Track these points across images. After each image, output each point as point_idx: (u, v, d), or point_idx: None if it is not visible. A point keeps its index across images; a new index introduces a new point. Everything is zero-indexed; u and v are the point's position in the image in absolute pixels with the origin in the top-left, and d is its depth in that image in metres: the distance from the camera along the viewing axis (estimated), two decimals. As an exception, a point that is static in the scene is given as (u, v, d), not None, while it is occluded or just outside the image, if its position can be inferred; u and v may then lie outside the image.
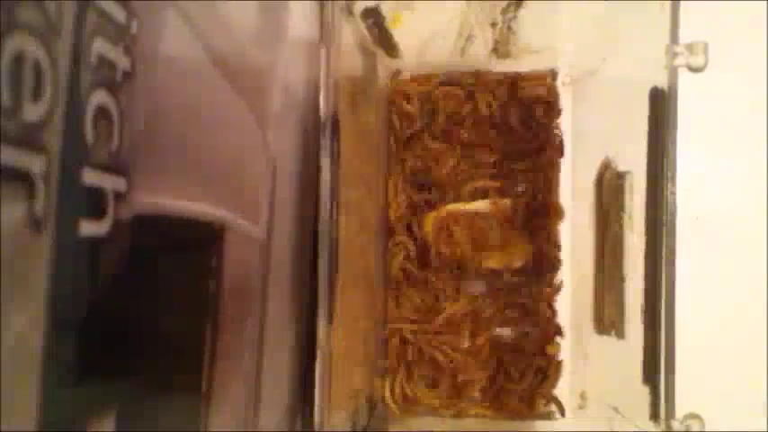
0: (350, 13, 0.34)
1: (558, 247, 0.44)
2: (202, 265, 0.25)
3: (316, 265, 0.31)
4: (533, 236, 0.44)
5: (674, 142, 0.30)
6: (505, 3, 0.38)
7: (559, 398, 0.44)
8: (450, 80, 0.45)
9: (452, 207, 0.45)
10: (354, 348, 0.38)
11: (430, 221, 0.44)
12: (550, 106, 0.45)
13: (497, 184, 0.45)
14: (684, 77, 0.30)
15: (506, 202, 0.44)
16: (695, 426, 0.29)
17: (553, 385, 0.44)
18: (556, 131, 0.45)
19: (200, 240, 0.25)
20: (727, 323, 0.40)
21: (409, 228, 0.45)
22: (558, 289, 0.44)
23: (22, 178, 0.14)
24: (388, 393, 0.44)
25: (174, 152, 0.22)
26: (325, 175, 0.31)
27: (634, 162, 0.33)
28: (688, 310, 0.30)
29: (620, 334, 0.35)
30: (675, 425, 0.29)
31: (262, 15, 0.31)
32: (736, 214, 0.41)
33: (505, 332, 0.44)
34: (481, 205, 0.45)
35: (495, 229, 0.44)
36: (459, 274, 0.44)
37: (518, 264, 0.44)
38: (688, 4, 0.30)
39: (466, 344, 0.44)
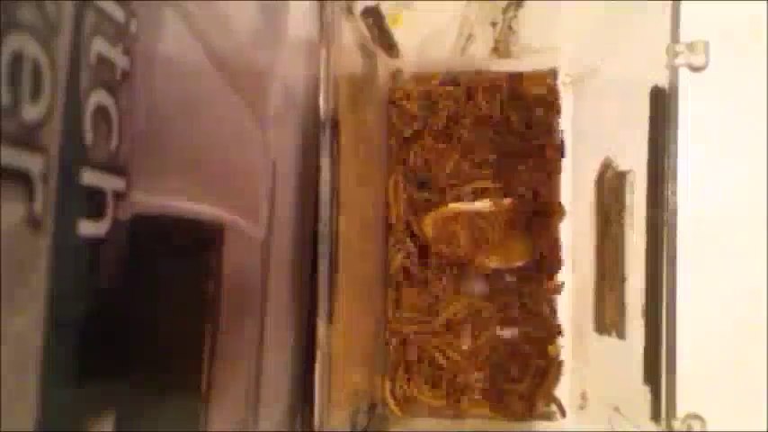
0: (350, 12, 0.34)
1: (558, 247, 0.44)
2: (202, 265, 0.25)
3: (316, 265, 0.31)
4: (534, 236, 0.44)
5: (675, 141, 0.30)
6: (506, 2, 0.38)
7: (560, 398, 0.43)
8: (451, 79, 0.45)
9: (452, 206, 0.45)
10: (354, 348, 0.38)
11: (430, 221, 0.44)
12: (551, 106, 0.45)
13: (497, 184, 0.45)
14: (685, 76, 0.30)
15: (507, 201, 0.44)
16: (696, 426, 0.29)
17: (553, 385, 0.44)
18: (556, 131, 0.45)
19: (200, 240, 0.24)
20: (727, 323, 0.40)
21: (409, 227, 0.45)
22: (557, 290, 0.44)
23: (21, 178, 0.14)
24: (388, 394, 0.44)
25: (174, 152, 0.22)
26: (325, 175, 0.31)
27: (635, 161, 0.33)
28: (689, 309, 0.30)
29: (621, 334, 0.35)
30: (676, 425, 0.29)
31: (262, 15, 0.30)
32: (736, 214, 0.40)
33: (505, 332, 0.44)
34: (482, 205, 0.45)
35: (496, 229, 0.44)
36: (458, 274, 0.44)
37: (518, 263, 0.44)
38: (688, 4, 0.30)
39: (466, 344, 0.44)
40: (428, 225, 0.44)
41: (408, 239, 0.45)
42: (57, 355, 0.15)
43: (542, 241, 0.44)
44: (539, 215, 0.44)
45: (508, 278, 0.44)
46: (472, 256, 0.44)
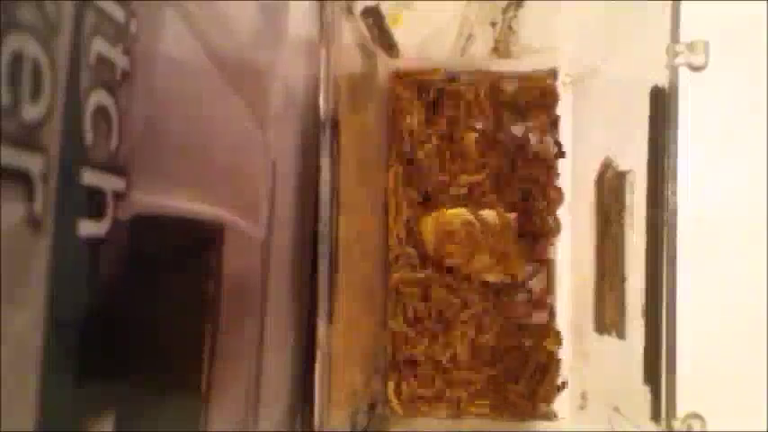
0: (350, 12, 0.34)
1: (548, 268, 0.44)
2: (202, 266, 0.25)
3: (316, 265, 0.31)
4: (530, 251, 0.44)
5: (675, 141, 0.30)
6: (506, 2, 0.38)
7: (560, 398, 0.44)
8: (451, 79, 0.45)
9: (453, 212, 0.45)
10: (354, 348, 0.38)
11: (429, 225, 0.44)
12: (550, 106, 0.45)
13: (483, 177, 0.44)
14: (685, 76, 0.30)
15: (512, 216, 0.44)
16: (697, 425, 0.29)
17: (552, 383, 0.44)
18: (555, 132, 0.45)
19: (200, 240, 0.24)
20: (727, 323, 0.40)
21: (409, 234, 0.45)
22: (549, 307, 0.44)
23: (21, 178, 0.14)
24: (392, 393, 0.44)
25: (174, 152, 0.22)
26: (325, 175, 0.31)
27: (635, 161, 0.33)
28: (689, 309, 0.30)
29: (621, 334, 0.35)
30: (676, 425, 0.29)
31: (262, 15, 0.30)
32: (736, 214, 0.40)
33: (505, 333, 0.44)
34: (487, 216, 0.44)
35: (495, 241, 0.44)
36: (458, 279, 0.44)
37: (513, 279, 0.44)
38: (688, 4, 0.30)
39: (466, 344, 0.44)
40: (427, 230, 0.44)
41: (408, 248, 0.45)
42: (57, 355, 0.15)
43: (537, 256, 0.44)
44: (535, 235, 0.44)
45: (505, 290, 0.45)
46: (471, 267, 0.44)
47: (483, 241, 0.44)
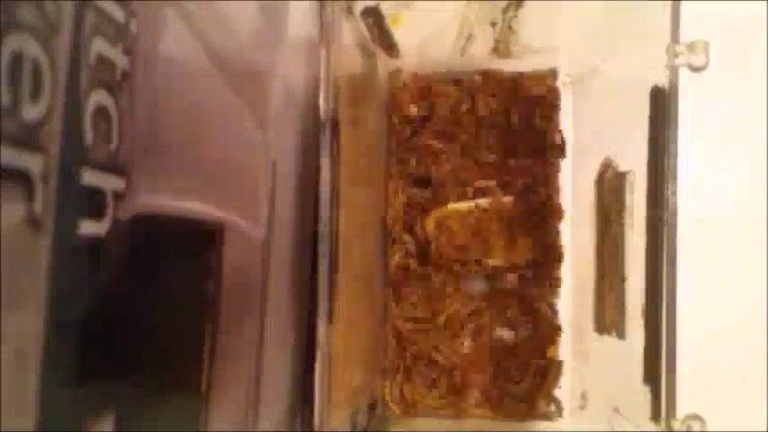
0: (350, 12, 0.34)
1: (559, 240, 0.44)
2: (202, 265, 0.25)
3: (316, 265, 0.31)
4: (534, 232, 0.44)
5: (675, 141, 0.30)
6: (506, 2, 0.38)
7: (559, 398, 0.43)
8: (451, 79, 0.45)
9: (454, 206, 0.45)
10: (354, 348, 0.38)
11: (431, 221, 0.44)
12: (551, 106, 0.45)
13: (497, 184, 0.45)
14: (685, 76, 0.30)
15: (507, 199, 0.44)
16: (696, 426, 0.29)
17: (553, 385, 0.44)
18: (557, 132, 0.45)
19: (200, 240, 0.24)
20: (727, 323, 0.40)
21: (409, 228, 0.45)
22: (557, 283, 0.44)
23: (21, 178, 0.14)
24: (389, 394, 0.44)
25: (174, 152, 0.22)
26: (325, 175, 0.31)
27: (635, 161, 0.33)
28: (689, 309, 0.30)
29: (621, 334, 0.35)
30: (676, 425, 0.29)
31: (262, 15, 0.30)
32: (736, 214, 0.40)
33: (506, 333, 0.44)
34: (482, 202, 0.45)
35: (497, 227, 0.44)
36: (458, 273, 0.44)
37: (520, 260, 0.44)
38: (688, 4, 0.30)
39: (466, 344, 0.44)
40: (429, 225, 0.44)
41: (407, 236, 0.45)
42: (57, 355, 0.15)
43: (543, 237, 0.44)
44: (538, 213, 0.44)
45: (508, 277, 0.44)
46: (472, 254, 0.44)
47: (483, 228, 0.44)
